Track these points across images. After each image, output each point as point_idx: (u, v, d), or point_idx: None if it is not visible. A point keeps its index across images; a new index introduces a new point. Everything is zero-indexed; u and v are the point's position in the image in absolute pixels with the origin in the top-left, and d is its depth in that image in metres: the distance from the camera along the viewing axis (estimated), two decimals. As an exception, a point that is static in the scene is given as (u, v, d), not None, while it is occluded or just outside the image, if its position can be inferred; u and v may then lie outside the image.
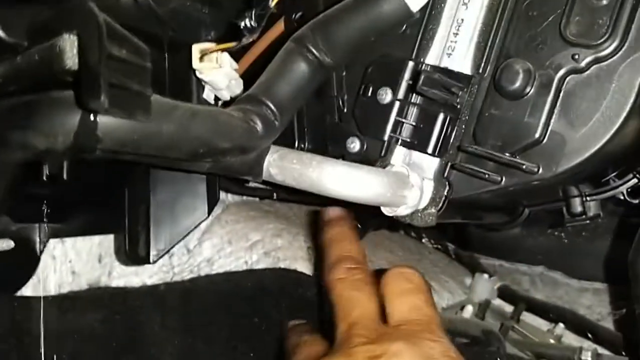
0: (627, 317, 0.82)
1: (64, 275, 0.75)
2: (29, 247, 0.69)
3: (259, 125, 0.48)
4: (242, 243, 0.82)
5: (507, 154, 0.48)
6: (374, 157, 0.56)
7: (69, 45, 0.37)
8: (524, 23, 0.49)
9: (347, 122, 0.57)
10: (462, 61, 0.52)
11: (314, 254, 0.81)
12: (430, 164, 0.53)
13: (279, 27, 0.61)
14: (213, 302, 0.73)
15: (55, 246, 0.74)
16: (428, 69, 0.51)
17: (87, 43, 0.35)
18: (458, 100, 0.51)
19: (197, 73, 0.53)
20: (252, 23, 0.47)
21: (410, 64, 0.53)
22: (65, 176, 0.62)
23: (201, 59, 0.52)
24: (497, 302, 0.96)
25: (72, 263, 0.76)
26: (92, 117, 0.38)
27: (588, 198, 0.58)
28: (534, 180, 0.49)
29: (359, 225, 0.65)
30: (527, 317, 0.93)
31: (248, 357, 0.67)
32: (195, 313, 0.73)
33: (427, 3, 0.50)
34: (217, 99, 0.59)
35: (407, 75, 0.53)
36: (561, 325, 0.87)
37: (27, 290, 0.71)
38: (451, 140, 0.52)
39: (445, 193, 0.52)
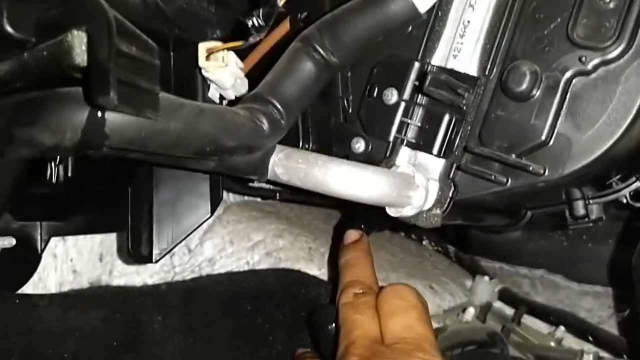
0: (630, 320, 0.82)
1: (65, 274, 0.75)
2: (30, 245, 0.69)
3: (265, 124, 0.48)
4: (243, 243, 0.82)
5: (513, 156, 0.48)
6: (379, 157, 0.56)
7: (78, 42, 0.37)
8: (530, 25, 0.49)
9: (352, 123, 0.57)
10: (468, 62, 0.52)
11: (315, 254, 0.81)
12: (435, 164, 0.53)
13: (285, 26, 0.61)
14: (215, 302, 0.73)
15: (56, 244, 0.74)
16: (434, 69, 0.51)
17: (96, 39, 0.35)
18: (464, 101, 0.51)
19: (203, 71, 0.53)
20: (260, 22, 0.47)
21: (416, 64, 0.53)
22: (69, 174, 0.62)
23: (207, 57, 0.51)
24: (498, 304, 0.96)
25: (73, 262, 0.75)
26: (100, 114, 0.38)
27: (591, 201, 0.58)
28: (539, 182, 0.49)
29: (363, 226, 0.65)
30: (528, 319, 0.93)
31: (251, 357, 0.67)
32: (197, 313, 0.73)
33: (435, 4, 0.50)
34: (222, 97, 0.58)
35: (413, 75, 0.53)
36: (562, 328, 0.88)
37: (27, 289, 0.70)
38: (457, 141, 0.52)
39: (451, 194, 0.52)
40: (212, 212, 0.67)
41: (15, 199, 0.61)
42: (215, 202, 0.67)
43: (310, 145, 0.61)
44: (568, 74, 0.47)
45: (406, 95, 0.54)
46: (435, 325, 0.73)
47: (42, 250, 0.71)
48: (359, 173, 0.49)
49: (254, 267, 0.79)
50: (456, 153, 0.52)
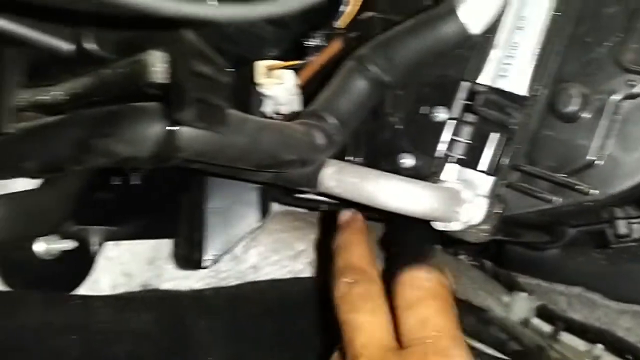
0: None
1: (118, 277, 0.78)
2: (86, 248, 0.73)
3: (321, 139, 0.50)
4: (287, 252, 0.84)
5: (561, 175, 0.50)
6: (426, 173, 0.57)
7: (157, 61, 0.40)
8: (580, 48, 0.51)
9: (400, 139, 0.59)
10: (516, 83, 0.54)
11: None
12: (482, 181, 0.55)
13: (336, 45, 0.63)
14: (259, 309, 0.75)
15: (111, 248, 0.77)
16: (484, 89, 0.53)
17: (176, 60, 0.38)
18: (512, 120, 0.53)
19: (260, 88, 0.55)
20: (319, 42, 0.49)
21: (465, 84, 0.55)
22: (128, 181, 0.65)
23: (265, 74, 0.54)
24: (536, 321, 0.96)
25: (125, 265, 0.79)
26: (174, 128, 0.41)
27: (634, 220, 0.59)
28: (586, 201, 0.50)
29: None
30: (566, 337, 0.93)
31: (294, 364, 0.69)
32: (242, 318, 0.75)
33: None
34: (275, 112, 0.61)
35: (461, 94, 0.55)
36: (600, 346, 0.87)
37: (82, 290, 0.74)
38: (504, 159, 0.54)
39: (498, 210, 0.54)
40: (262, 221, 0.69)
41: (78, 204, 0.64)
42: (264, 211, 0.70)
43: (357, 159, 0.63)
44: (617, 97, 0.48)
45: (455, 113, 0.55)
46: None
47: (97, 253, 0.74)
48: (409, 188, 0.51)
49: (297, 276, 0.81)
50: (504, 170, 0.54)
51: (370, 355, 0.42)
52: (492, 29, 0.53)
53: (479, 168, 0.54)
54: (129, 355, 0.64)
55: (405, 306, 0.45)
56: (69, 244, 0.68)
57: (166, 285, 0.82)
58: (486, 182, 0.55)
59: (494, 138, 0.53)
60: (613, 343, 0.89)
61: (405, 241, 0.57)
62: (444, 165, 0.55)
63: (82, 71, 0.43)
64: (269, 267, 0.85)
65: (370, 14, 0.58)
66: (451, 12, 0.49)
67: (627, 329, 0.95)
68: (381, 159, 0.61)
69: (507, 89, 0.53)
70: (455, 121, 0.56)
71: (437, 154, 0.56)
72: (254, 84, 0.55)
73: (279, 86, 0.55)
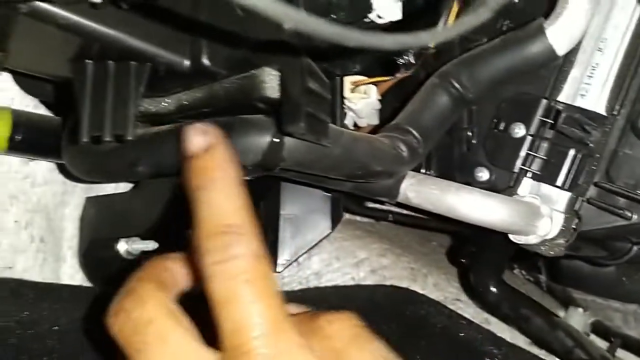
0: None
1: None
2: (164, 250, 0.76)
3: (405, 152, 0.53)
4: (349, 260, 0.87)
5: (641, 192, 0.51)
6: (502, 187, 0.59)
7: (269, 77, 0.43)
8: (660, 69, 0.52)
9: (476, 153, 0.61)
10: (595, 102, 0.55)
11: (418, 275, 0.85)
12: (559, 196, 0.56)
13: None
14: (324, 314, 0.78)
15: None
16: (566, 108, 0.55)
17: (290, 77, 0.41)
18: (591, 138, 0.54)
19: (347, 101, 0.58)
20: (411, 59, 0.52)
21: (544, 102, 0.57)
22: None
23: (352, 89, 0.57)
24: (591, 337, 0.97)
25: (197, 267, 0.82)
26: (280, 139, 0.44)
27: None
28: (664, 219, 0.52)
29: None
30: (622, 353, 0.93)
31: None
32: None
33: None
34: (355, 125, 0.64)
35: (540, 112, 0.57)
36: (658, 364, 0.87)
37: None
38: (582, 175, 0.55)
39: (575, 225, 0.55)
40: (333, 229, 0.72)
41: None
42: (335, 219, 0.72)
43: (432, 171, 0.65)
44: (698, 118, 0.50)
45: (533, 130, 0.57)
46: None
47: (173, 255, 0.78)
48: (491, 201, 0.53)
49: (359, 283, 0.83)
50: (581, 186, 0.55)
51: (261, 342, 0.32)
52: (573, 50, 0.54)
53: (556, 184, 0.56)
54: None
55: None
56: (149, 245, 0.72)
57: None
58: (563, 198, 0.56)
59: (572, 155, 0.55)
60: (671, 361, 0.89)
61: (481, 254, 0.59)
62: (521, 179, 0.57)
63: (195, 84, 0.46)
64: (330, 273, 0.87)
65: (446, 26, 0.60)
66: (540, 33, 0.51)
67: (684, 348, 0.94)
68: (455, 172, 0.63)
69: (586, 108, 0.55)
70: (531, 137, 0.58)
71: (515, 169, 0.57)
72: (341, 97, 0.58)
73: (364, 100, 0.57)
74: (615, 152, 0.54)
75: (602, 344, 0.97)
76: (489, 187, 0.60)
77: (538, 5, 0.56)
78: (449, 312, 0.73)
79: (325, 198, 0.72)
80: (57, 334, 0.57)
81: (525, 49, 0.52)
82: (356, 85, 0.57)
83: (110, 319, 0.35)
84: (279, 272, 0.70)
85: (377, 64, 0.59)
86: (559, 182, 0.56)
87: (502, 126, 0.59)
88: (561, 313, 1.02)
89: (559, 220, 0.55)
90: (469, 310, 0.80)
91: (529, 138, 0.57)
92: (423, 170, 0.65)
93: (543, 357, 0.73)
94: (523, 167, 0.58)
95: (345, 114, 0.61)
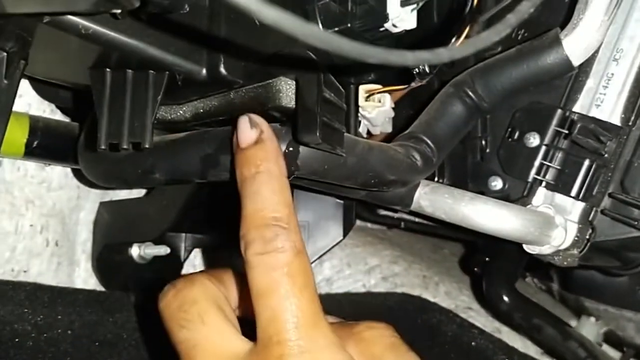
0: None
1: (202, 283, 0.82)
2: (176, 254, 0.76)
3: (419, 161, 0.53)
4: (360, 266, 0.87)
5: (657, 204, 0.51)
6: (515, 196, 0.59)
7: (285, 87, 0.43)
8: (677, 80, 0.52)
9: (490, 162, 0.61)
10: (610, 113, 0.55)
11: (429, 282, 0.85)
12: (573, 206, 0.56)
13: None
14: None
15: (196, 255, 0.81)
16: (581, 118, 0.55)
17: (306, 87, 0.41)
18: (606, 148, 0.54)
19: (361, 110, 0.59)
20: (426, 69, 0.52)
21: (559, 112, 0.57)
22: (228, 192, 0.69)
23: (366, 98, 0.57)
24: (604, 347, 0.96)
25: (208, 272, 0.83)
26: (295, 148, 0.44)
27: None
28: (680, 231, 0.51)
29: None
30: (634, 364, 0.93)
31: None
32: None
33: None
34: (368, 133, 0.64)
35: (555, 122, 0.57)
36: (672, 375, 0.86)
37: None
38: (596, 186, 0.55)
39: (589, 236, 0.55)
40: (345, 236, 0.72)
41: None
42: (347, 226, 0.72)
43: (445, 180, 0.65)
44: None
45: (547, 139, 0.57)
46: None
47: (185, 260, 0.78)
48: (505, 211, 0.53)
49: (370, 290, 0.83)
50: (595, 197, 0.55)
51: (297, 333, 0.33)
52: (589, 60, 0.54)
53: (570, 194, 0.55)
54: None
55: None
56: (162, 250, 0.72)
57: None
58: (577, 208, 0.56)
59: (587, 165, 0.55)
60: (684, 373, 0.88)
61: (494, 264, 0.59)
62: (535, 189, 0.57)
63: (211, 93, 0.47)
64: (342, 280, 0.87)
65: (463, 41, 0.60)
66: (556, 43, 0.51)
67: (698, 359, 0.93)
68: (469, 181, 0.63)
69: (601, 118, 0.55)
70: (545, 147, 0.57)
71: (529, 178, 0.57)
72: (356, 106, 0.58)
73: (379, 109, 0.58)
74: (630, 162, 0.53)
75: (614, 353, 0.96)
76: (503, 196, 0.60)
77: (554, 16, 0.56)
78: (461, 320, 0.73)
79: (338, 205, 0.72)
80: (71, 338, 0.58)
81: (541, 59, 0.52)
82: (370, 94, 0.57)
83: (161, 294, 0.38)
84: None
85: (392, 73, 0.59)
86: (574, 192, 0.55)
87: (516, 135, 0.58)
88: (573, 322, 1.02)
89: (573, 231, 0.55)
90: (481, 319, 0.79)
91: (544, 148, 0.57)
92: (436, 179, 0.65)
93: (555, 367, 0.73)
94: (537, 176, 0.57)
95: (359, 122, 0.62)
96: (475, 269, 0.72)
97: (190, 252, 0.78)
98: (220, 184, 0.75)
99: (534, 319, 0.69)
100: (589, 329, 0.98)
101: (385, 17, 0.50)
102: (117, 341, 0.63)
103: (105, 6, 0.35)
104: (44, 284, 0.63)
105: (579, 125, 0.52)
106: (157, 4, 0.36)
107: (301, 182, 0.51)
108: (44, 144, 0.61)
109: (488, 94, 0.54)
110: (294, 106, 0.43)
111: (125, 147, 0.43)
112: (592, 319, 0.98)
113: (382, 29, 0.50)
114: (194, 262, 0.81)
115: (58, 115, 0.67)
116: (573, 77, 0.56)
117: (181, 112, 0.49)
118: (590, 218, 0.55)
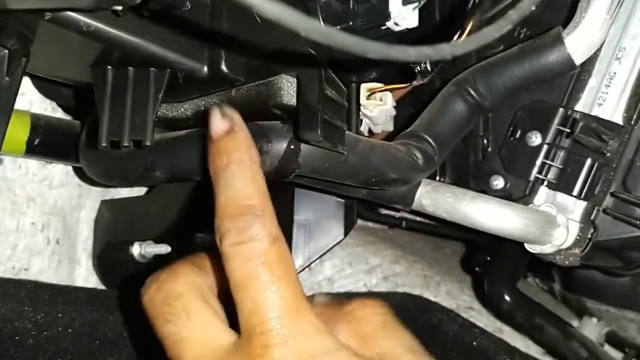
0: None
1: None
2: (180, 254, 0.76)
3: (421, 160, 0.53)
4: (361, 266, 0.87)
5: (659, 203, 0.51)
6: (517, 195, 0.59)
7: (287, 84, 0.43)
8: (679, 79, 0.52)
9: (492, 161, 0.61)
10: (612, 111, 0.55)
11: (431, 282, 0.85)
12: (575, 205, 0.56)
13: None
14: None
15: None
16: (583, 117, 0.54)
17: (307, 84, 0.41)
18: (608, 147, 0.54)
19: (363, 109, 0.58)
20: (428, 67, 0.52)
21: (561, 110, 0.57)
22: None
23: (368, 96, 0.57)
24: (606, 347, 0.96)
25: (209, 271, 0.82)
26: (296, 146, 0.44)
27: None
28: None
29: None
30: (636, 365, 0.92)
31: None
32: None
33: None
34: (369, 132, 0.64)
35: (557, 121, 0.57)
36: (673, 376, 0.86)
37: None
38: (598, 185, 0.55)
39: (590, 235, 0.55)
40: (346, 235, 0.72)
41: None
42: (348, 225, 0.72)
43: (447, 179, 0.65)
44: None
45: (549, 138, 0.57)
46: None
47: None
48: (506, 210, 0.53)
49: (372, 290, 0.83)
50: (597, 196, 0.55)
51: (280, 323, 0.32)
52: (591, 59, 0.54)
53: (572, 193, 0.55)
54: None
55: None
56: (163, 249, 0.72)
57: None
58: (579, 207, 0.56)
59: (589, 164, 0.55)
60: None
61: (496, 263, 0.59)
62: (537, 188, 0.57)
63: (212, 90, 0.47)
64: (343, 279, 0.87)
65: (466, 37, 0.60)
66: (558, 42, 0.51)
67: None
68: (470, 180, 0.63)
69: (603, 117, 0.55)
70: (547, 145, 0.57)
71: (531, 178, 0.57)
72: (358, 104, 0.58)
73: (380, 108, 0.58)
74: (633, 161, 0.53)
75: (616, 354, 0.96)
76: (504, 195, 0.60)
77: (556, 14, 0.55)
78: (462, 320, 0.73)
79: (339, 204, 0.72)
80: (71, 336, 0.57)
81: (543, 58, 0.52)
82: (372, 92, 0.57)
83: (144, 289, 0.36)
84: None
85: (394, 71, 0.59)
86: (575, 191, 0.55)
87: (518, 134, 0.58)
88: (575, 323, 1.01)
89: (574, 230, 0.55)
90: (482, 319, 0.79)
91: (546, 146, 0.57)
92: (437, 178, 0.65)
93: (557, 367, 0.73)
94: (539, 175, 0.57)
95: (361, 120, 0.61)
96: (477, 268, 0.72)
97: (190, 251, 0.78)
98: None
99: (536, 319, 0.69)
100: (591, 329, 0.97)
101: (387, 15, 0.50)
102: (117, 339, 0.63)
103: (106, 3, 0.35)
104: (44, 282, 0.63)
105: (581, 124, 0.52)
106: (160, 1, 0.36)
107: (302, 180, 0.51)
108: (45, 142, 0.61)
109: (490, 93, 0.54)
110: (295, 104, 0.43)
111: (126, 144, 0.43)
112: (594, 319, 0.98)
113: (384, 27, 0.50)
114: (195, 261, 0.81)
115: (59, 113, 0.67)
116: (575, 75, 0.56)
117: (182, 109, 0.49)
118: (592, 217, 0.55)
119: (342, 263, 0.88)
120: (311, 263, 0.73)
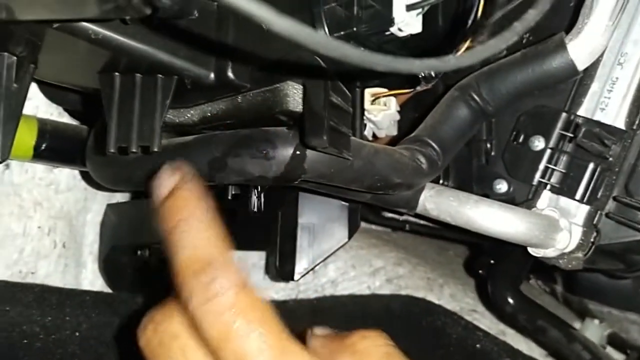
0: None
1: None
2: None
3: (425, 164, 0.53)
4: (365, 268, 0.87)
5: (661, 207, 0.51)
6: (520, 199, 0.59)
7: (293, 91, 0.44)
8: (682, 84, 0.52)
9: (495, 165, 0.61)
10: (615, 116, 0.55)
11: (434, 285, 0.85)
12: (578, 210, 0.56)
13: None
14: (339, 322, 0.78)
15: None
16: (585, 122, 0.55)
17: (313, 91, 0.42)
18: (610, 152, 0.55)
19: (367, 113, 0.59)
20: (432, 74, 0.52)
21: (564, 115, 0.57)
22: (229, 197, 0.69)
23: (372, 101, 0.58)
24: (608, 349, 0.96)
25: (214, 274, 0.83)
26: (302, 152, 0.45)
27: None
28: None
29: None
30: (638, 367, 0.93)
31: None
32: (323, 330, 0.78)
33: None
34: (373, 136, 0.64)
35: (560, 125, 0.57)
36: (675, 378, 0.86)
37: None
38: (601, 189, 0.55)
39: (593, 239, 0.55)
40: (350, 238, 0.72)
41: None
42: (352, 228, 0.73)
43: (450, 183, 0.65)
44: None
45: (552, 143, 0.57)
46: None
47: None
48: (510, 214, 0.53)
49: (375, 292, 0.84)
50: (600, 200, 0.55)
51: None
52: (594, 64, 0.54)
53: (575, 197, 0.56)
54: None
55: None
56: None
57: (250, 294, 0.86)
58: (582, 211, 0.56)
59: (591, 168, 0.55)
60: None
61: (499, 266, 0.59)
62: (540, 192, 0.57)
63: (219, 97, 0.47)
64: (346, 282, 0.88)
65: (469, 45, 0.60)
66: (561, 47, 0.51)
67: (702, 361, 0.93)
68: (474, 184, 0.63)
69: (606, 122, 0.55)
70: (550, 150, 0.58)
71: (534, 182, 0.58)
72: (362, 109, 0.59)
73: (384, 112, 0.58)
74: (635, 166, 0.54)
75: (618, 356, 0.96)
76: (508, 199, 0.60)
77: (559, 20, 0.56)
78: (465, 323, 0.73)
79: (343, 207, 0.73)
80: (78, 340, 0.58)
81: (546, 63, 0.52)
82: (376, 97, 0.58)
83: (140, 330, 0.35)
84: (295, 281, 0.70)
85: (398, 77, 0.59)
86: (578, 195, 0.56)
87: (521, 139, 0.59)
88: (577, 324, 1.02)
89: (577, 234, 0.55)
90: (485, 322, 0.80)
91: (549, 151, 0.57)
92: (441, 182, 0.66)
93: (560, 369, 0.73)
94: (542, 180, 0.58)
95: (365, 125, 0.62)
96: (480, 271, 0.73)
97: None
98: (227, 188, 0.76)
99: (539, 321, 0.69)
100: (593, 331, 0.98)
101: (391, 21, 0.50)
102: (124, 343, 0.64)
103: (115, 14, 0.35)
104: (51, 285, 0.64)
105: (583, 129, 0.52)
106: (167, 10, 0.37)
107: (307, 185, 0.52)
108: (52, 147, 0.61)
109: (493, 98, 0.55)
110: (301, 110, 0.43)
111: (134, 150, 0.44)
112: (596, 321, 0.98)
113: (387, 33, 0.51)
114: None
115: (65, 118, 0.68)
116: (578, 81, 0.56)
117: (189, 115, 0.50)
118: (594, 221, 0.56)
119: (345, 265, 0.88)
120: (315, 266, 0.74)
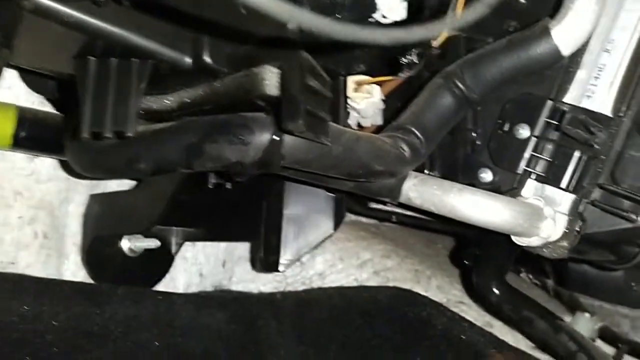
0: None
1: (193, 276, 0.82)
2: (166, 247, 0.76)
3: (407, 152, 0.52)
4: (352, 261, 0.87)
5: (647, 195, 0.51)
6: (505, 188, 0.59)
7: (270, 75, 0.43)
8: (668, 71, 0.52)
9: (480, 154, 0.61)
10: (601, 103, 0.55)
11: (421, 277, 0.85)
12: (563, 198, 0.56)
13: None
14: (327, 314, 0.77)
15: (187, 248, 0.81)
16: (571, 109, 0.54)
17: (289, 74, 0.41)
18: (596, 140, 0.54)
19: (350, 101, 0.58)
20: (414, 60, 0.52)
21: (550, 103, 0.56)
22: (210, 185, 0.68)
23: (355, 89, 0.57)
24: (598, 342, 0.96)
25: (200, 265, 0.82)
26: (280, 137, 0.44)
27: None
28: (670, 222, 0.51)
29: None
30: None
31: (359, 370, 0.70)
32: (309, 322, 0.77)
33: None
34: (358, 125, 0.63)
35: (545, 113, 0.56)
36: (665, 371, 0.86)
37: (159, 287, 0.78)
38: (586, 178, 0.55)
39: (578, 227, 0.55)
40: (335, 229, 0.72)
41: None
42: (338, 219, 0.72)
43: (436, 172, 0.65)
44: None
45: (538, 131, 0.57)
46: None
47: (176, 253, 0.78)
48: (493, 202, 0.52)
49: (363, 284, 0.83)
50: (585, 188, 0.55)
51: None
52: (580, 50, 0.54)
53: (560, 186, 0.55)
54: (204, 351, 0.67)
55: None
56: (152, 243, 0.72)
57: (236, 287, 0.85)
58: (567, 200, 0.56)
59: (577, 156, 0.55)
60: (678, 368, 0.87)
61: (484, 256, 0.58)
62: (525, 181, 0.57)
63: (196, 82, 0.46)
64: (334, 274, 0.87)
65: (455, 33, 0.59)
66: (545, 33, 0.50)
67: (692, 354, 0.93)
68: (459, 173, 0.63)
69: (592, 109, 0.54)
70: (535, 138, 0.57)
71: (519, 170, 0.57)
72: (345, 97, 0.58)
73: (368, 100, 0.57)
74: (621, 154, 0.53)
75: (609, 349, 0.96)
76: (493, 188, 0.59)
77: (544, 6, 0.55)
78: (451, 314, 0.73)
79: (328, 198, 0.72)
80: (56, 329, 0.57)
81: (530, 49, 0.51)
82: (359, 85, 0.57)
83: None
84: (280, 272, 0.70)
85: (381, 63, 0.58)
86: (563, 184, 0.55)
87: (506, 127, 0.58)
88: (568, 318, 1.01)
89: (562, 223, 0.55)
90: (472, 313, 0.79)
91: (534, 139, 0.57)
92: (426, 171, 0.65)
93: (545, 361, 0.73)
94: (527, 168, 0.57)
95: (348, 113, 0.61)
96: (466, 261, 0.72)
97: (180, 245, 0.78)
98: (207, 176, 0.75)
99: (524, 312, 0.68)
100: (584, 324, 0.97)
101: (374, 7, 0.49)
102: (103, 333, 0.63)
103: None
104: (30, 275, 0.63)
105: (569, 116, 0.51)
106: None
107: (287, 172, 0.51)
108: (32, 135, 0.61)
109: (477, 85, 0.54)
110: (278, 95, 0.43)
111: (107, 135, 0.43)
112: (587, 314, 0.98)
113: (371, 20, 0.50)
114: (185, 254, 0.81)
115: (47, 107, 0.67)
116: (564, 67, 0.56)
117: (167, 102, 0.49)
118: (580, 210, 0.55)
119: (333, 258, 0.88)
120: (301, 257, 0.73)
